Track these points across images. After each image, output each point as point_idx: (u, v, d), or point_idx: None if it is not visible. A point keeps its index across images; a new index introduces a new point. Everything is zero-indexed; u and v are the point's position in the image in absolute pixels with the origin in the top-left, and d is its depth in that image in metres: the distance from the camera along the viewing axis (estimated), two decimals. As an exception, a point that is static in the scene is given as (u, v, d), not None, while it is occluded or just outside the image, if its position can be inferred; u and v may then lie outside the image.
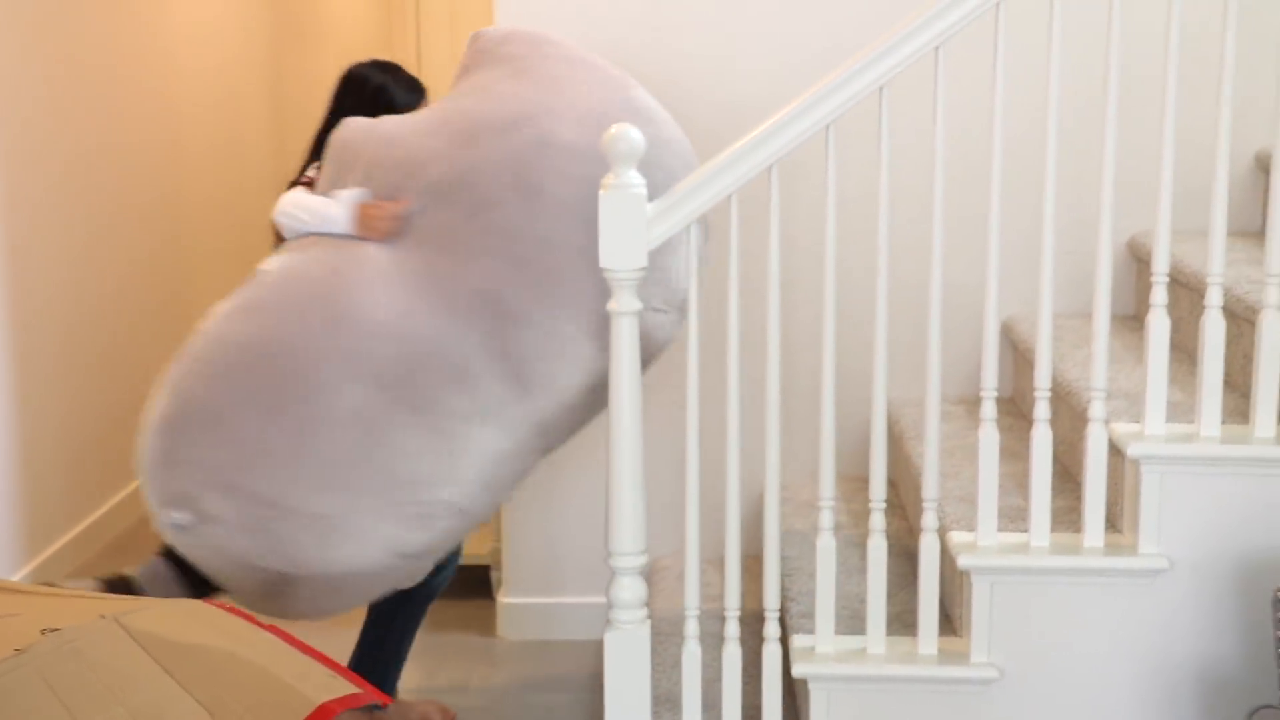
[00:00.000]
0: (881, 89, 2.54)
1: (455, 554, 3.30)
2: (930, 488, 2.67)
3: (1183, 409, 2.81)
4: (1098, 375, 2.64)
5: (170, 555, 2.93)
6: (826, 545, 2.69)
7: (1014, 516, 2.84)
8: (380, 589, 2.95)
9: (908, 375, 3.63)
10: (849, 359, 3.58)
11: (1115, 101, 2.57)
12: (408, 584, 3.00)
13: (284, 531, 2.76)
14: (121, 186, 4.84)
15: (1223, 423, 2.70)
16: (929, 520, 2.68)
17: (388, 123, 3.12)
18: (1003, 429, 3.37)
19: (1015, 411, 3.56)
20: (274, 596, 2.83)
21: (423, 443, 2.80)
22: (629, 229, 2.48)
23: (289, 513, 2.75)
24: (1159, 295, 2.63)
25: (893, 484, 3.60)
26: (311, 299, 2.87)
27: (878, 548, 2.68)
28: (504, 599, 3.94)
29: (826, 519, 2.69)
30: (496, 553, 4.04)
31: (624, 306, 2.51)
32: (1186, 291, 3.19)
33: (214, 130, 5.69)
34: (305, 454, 2.76)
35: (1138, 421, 2.74)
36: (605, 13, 3.61)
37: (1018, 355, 3.59)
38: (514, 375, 2.87)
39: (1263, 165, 3.55)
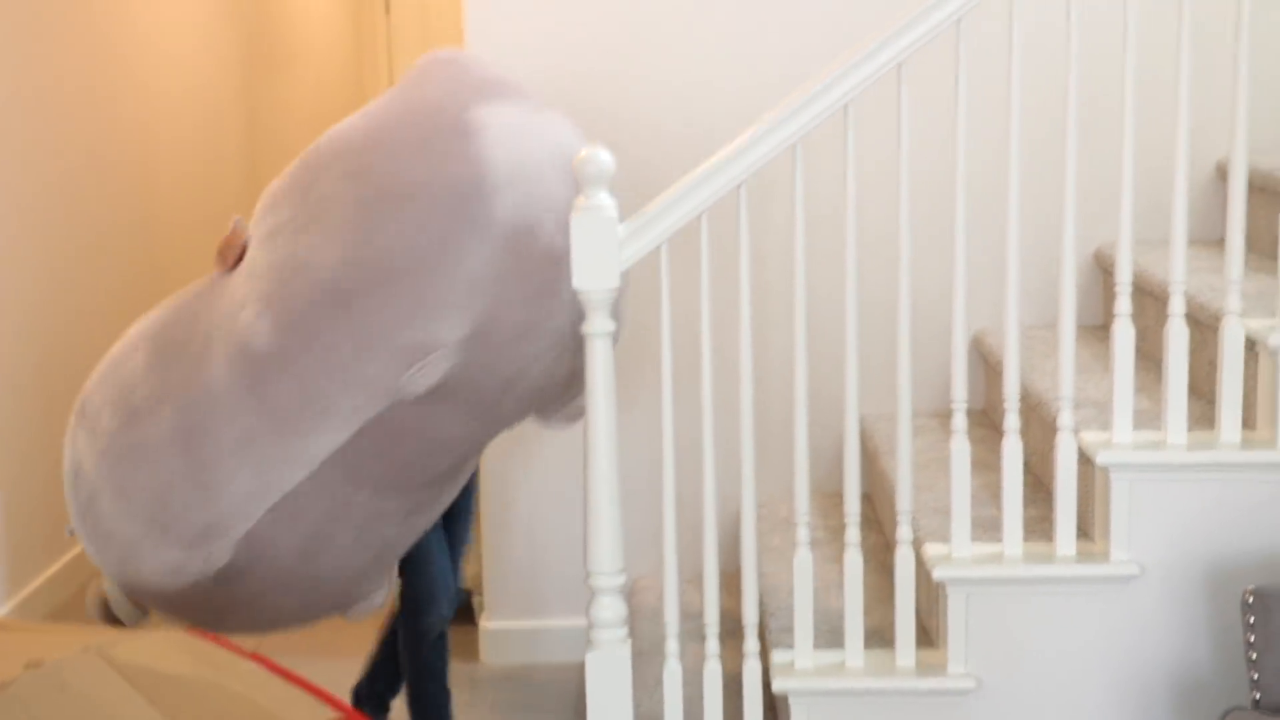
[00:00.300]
0: (846, 106, 2.58)
1: (435, 595, 3.20)
2: (904, 501, 2.70)
3: (1150, 416, 2.85)
4: (1065, 384, 2.67)
5: None
6: (804, 561, 2.72)
7: (988, 527, 2.87)
8: (205, 613, 2.86)
9: (880, 390, 3.67)
10: (821, 375, 3.62)
11: (1076, 115, 2.61)
12: (349, 617, 2.99)
13: (101, 547, 2.81)
14: (97, 214, 4.85)
15: (1189, 429, 2.74)
16: (904, 533, 2.71)
17: None
18: (975, 440, 3.41)
19: (987, 423, 3.60)
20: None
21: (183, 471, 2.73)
22: (601, 250, 2.51)
23: (109, 534, 2.79)
24: (1123, 305, 2.67)
25: (868, 499, 3.63)
26: (144, 328, 2.89)
27: (854, 562, 2.71)
28: (486, 624, 3.95)
29: (803, 535, 2.72)
30: (478, 577, 4.06)
31: (597, 327, 2.54)
32: (1152, 300, 3.23)
33: (188, 156, 5.71)
34: (118, 478, 2.78)
35: (1107, 430, 2.78)
36: (577, 39, 3.64)
37: (988, 367, 3.62)
38: (269, 412, 2.68)
39: (1223, 175, 3.60)
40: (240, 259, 2.78)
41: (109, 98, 4.95)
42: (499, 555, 3.89)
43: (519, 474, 3.81)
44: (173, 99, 5.55)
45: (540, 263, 2.65)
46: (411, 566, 3.16)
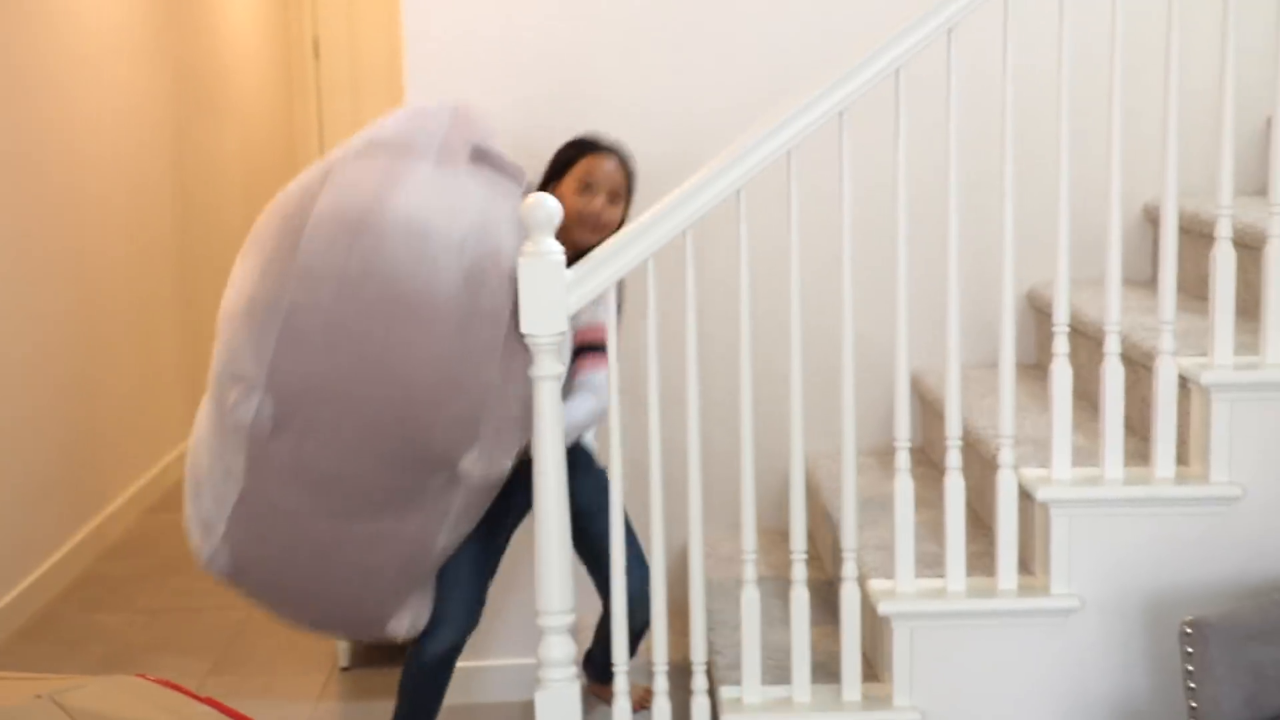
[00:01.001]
0: (789, 153, 2.63)
1: (439, 620, 3.15)
2: (849, 538, 2.74)
3: (1087, 453, 2.92)
4: (1005, 423, 2.73)
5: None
6: (750, 598, 2.75)
7: (930, 563, 2.92)
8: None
9: (821, 428, 3.72)
10: (765, 414, 3.66)
11: (1011, 159, 2.68)
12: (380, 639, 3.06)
13: None
14: (29, 269, 4.82)
15: (1125, 465, 2.81)
16: (849, 569, 2.75)
17: None
18: (915, 477, 3.46)
19: (925, 460, 3.66)
20: None
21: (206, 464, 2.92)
22: (549, 295, 2.55)
23: None
24: (1060, 345, 2.73)
25: (810, 535, 3.67)
26: None
27: (800, 599, 2.75)
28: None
29: (750, 571, 2.75)
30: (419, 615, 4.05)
31: (545, 371, 2.58)
32: (1084, 339, 3.31)
33: (118, 201, 5.68)
34: None
35: (1045, 466, 2.84)
36: (528, 66, 3.67)
37: (925, 406, 3.68)
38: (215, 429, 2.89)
39: (1150, 216, 3.69)
40: None
41: (36, 144, 4.93)
42: (442, 597, 3.88)
43: (461, 516, 3.81)
44: (102, 142, 5.53)
45: (329, 318, 2.66)
46: (436, 595, 3.14)
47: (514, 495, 3.08)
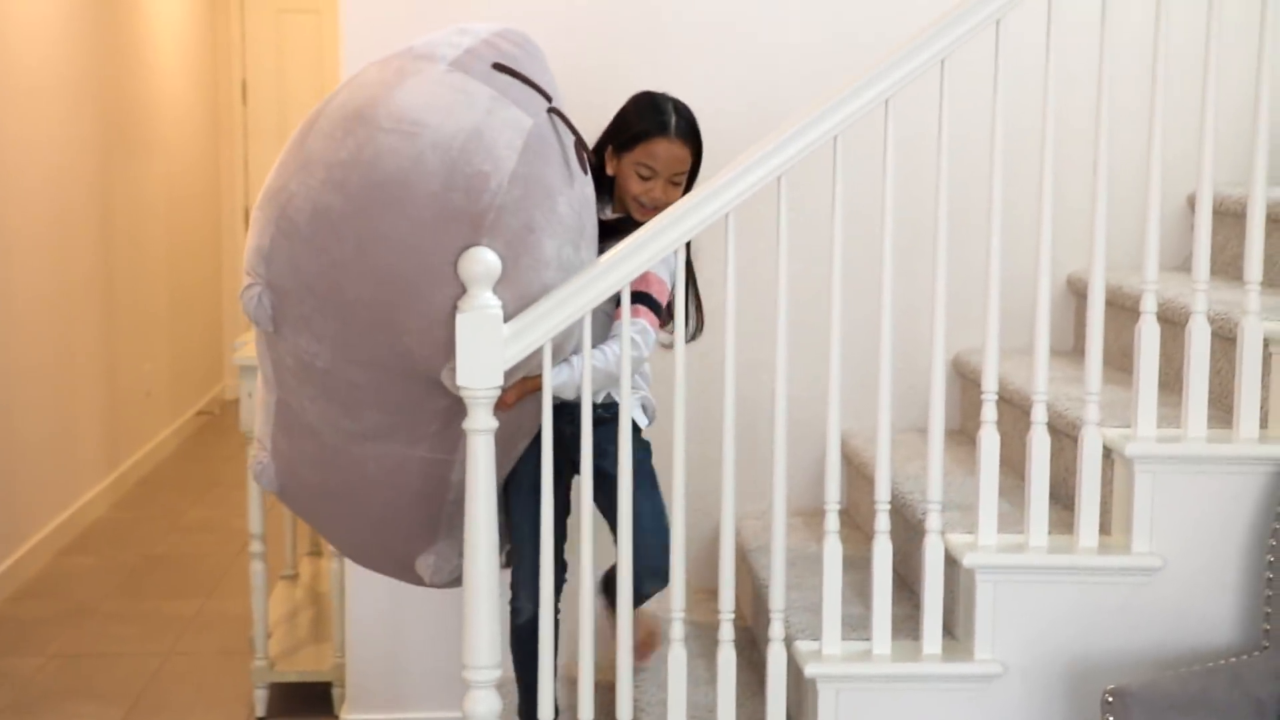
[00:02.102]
0: (727, 216, 2.66)
1: (519, 583, 3.14)
2: (777, 599, 2.76)
3: (1012, 520, 2.96)
4: (933, 489, 2.77)
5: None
6: (678, 657, 2.76)
7: (855, 625, 2.94)
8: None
9: (747, 488, 3.73)
10: (691, 473, 3.67)
11: (946, 230, 2.72)
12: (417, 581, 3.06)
13: None
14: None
15: (1050, 533, 2.85)
16: (776, 630, 2.77)
17: None
18: (840, 539, 3.48)
19: (850, 522, 3.69)
20: None
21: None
22: (486, 349, 2.55)
23: None
24: (988, 412, 2.78)
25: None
26: None
27: (727, 659, 2.76)
28: (346, 716, 3.91)
29: (678, 631, 2.76)
30: (339, 668, 4.02)
31: (480, 424, 2.58)
32: (1009, 407, 3.35)
33: (41, 245, 5.62)
34: None
35: (970, 532, 2.88)
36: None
37: (851, 469, 3.71)
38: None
39: (1074, 288, 3.76)
40: None
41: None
42: (361, 643, 3.85)
43: (385, 567, 3.79)
44: (26, 178, 5.47)
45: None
46: (518, 556, 3.13)
47: (570, 450, 2.90)
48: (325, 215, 2.63)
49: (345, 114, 2.67)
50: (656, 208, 2.95)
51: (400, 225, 2.59)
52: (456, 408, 2.66)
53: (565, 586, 3.19)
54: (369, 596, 3.79)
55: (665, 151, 3.01)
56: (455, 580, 2.97)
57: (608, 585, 3.45)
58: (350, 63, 3.64)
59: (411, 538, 2.94)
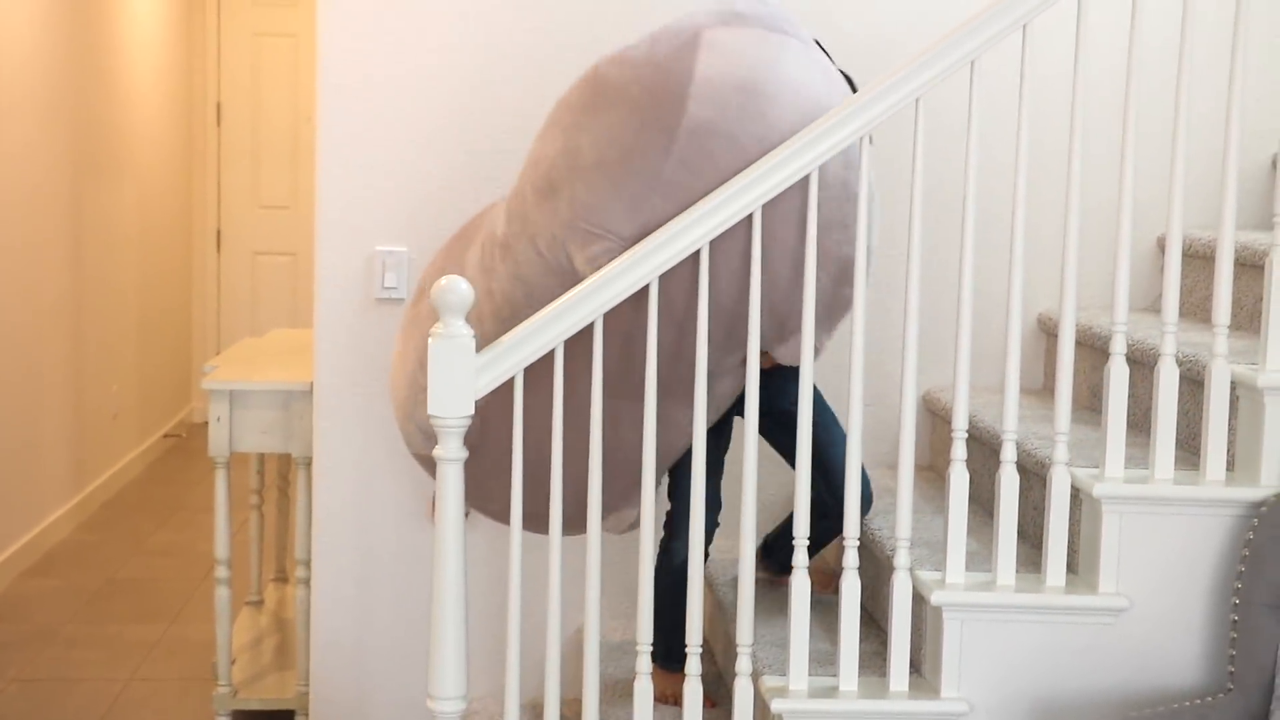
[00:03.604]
0: (699, 252, 2.67)
1: (678, 529, 3.19)
2: (745, 635, 2.76)
3: (980, 558, 2.96)
4: (902, 526, 2.77)
5: None
6: (644, 689, 2.75)
7: (822, 661, 2.94)
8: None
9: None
10: (665, 504, 3.67)
11: (919, 267, 2.73)
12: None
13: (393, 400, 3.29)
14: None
15: (1018, 571, 2.86)
16: (743, 665, 2.76)
17: None
18: (808, 574, 3.49)
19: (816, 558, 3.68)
20: None
21: None
22: (458, 378, 2.56)
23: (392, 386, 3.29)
24: (958, 450, 2.78)
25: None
26: None
27: (694, 691, 2.75)
28: (309, 745, 3.89)
29: (643, 664, 2.75)
30: (303, 696, 3.99)
31: (450, 454, 2.58)
32: (978, 445, 3.36)
33: (12, 265, 5.60)
34: None
35: (938, 570, 2.88)
36: (441, 111, 3.68)
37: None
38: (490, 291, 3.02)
39: (1044, 327, 3.78)
40: None
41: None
42: (325, 673, 3.83)
43: (348, 589, 3.77)
44: None
45: (718, 176, 2.72)
46: (678, 494, 3.19)
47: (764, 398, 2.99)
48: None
49: (733, 83, 2.75)
50: None
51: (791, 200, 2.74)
52: (730, 375, 2.90)
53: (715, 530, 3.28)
54: (334, 624, 3.78)
55: None
56: (633, 528, 3.14)
57: (768, 550, 3.49)
58: (327, 86, 3.64)
59: (627, 491, 3.06)
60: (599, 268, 2.74)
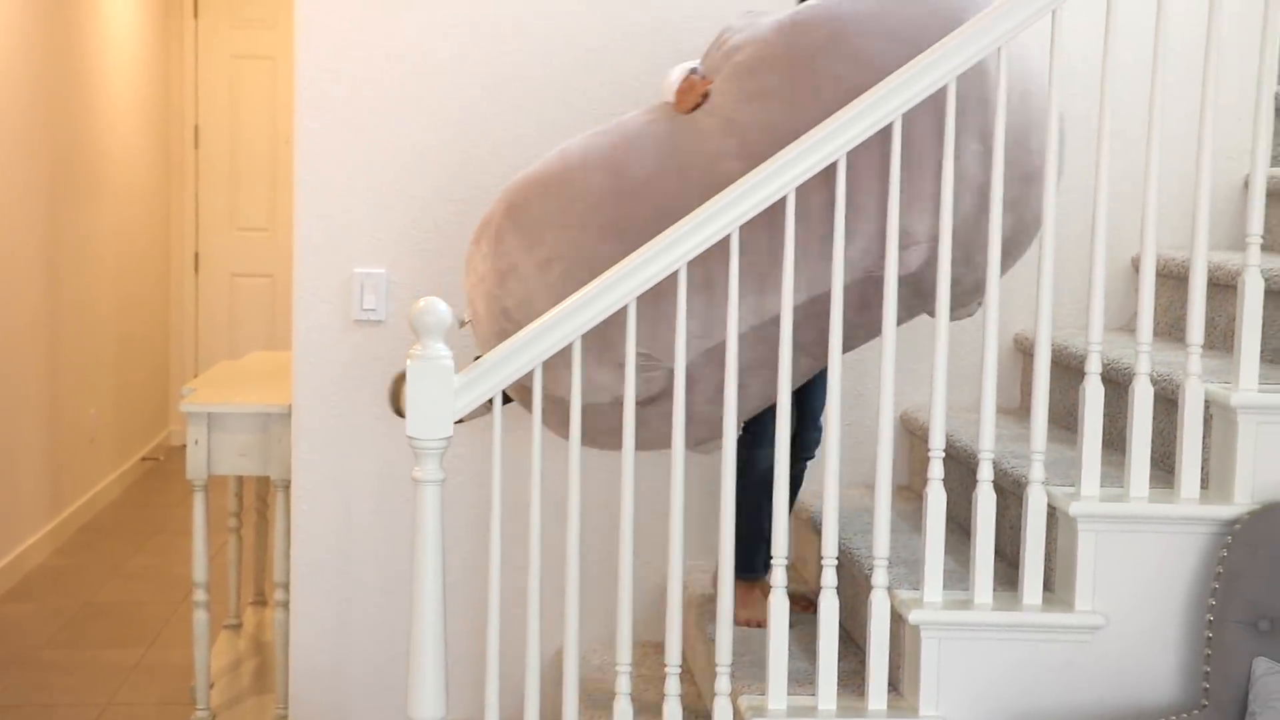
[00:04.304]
0: (680, 268, 2.68)
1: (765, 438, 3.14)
2: (724, 654, 2.76)
3: (957, 577, 2.97)
4: (880, 545, 2.78)
5: None
6: (624, 711, 2.76)
7: (800, 680, 2.95)
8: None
9: (695, 541, 3.74)
10: (643, 524, 3.68)
11: (894, 288, 2.75)
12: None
13: None
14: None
15: (994, 589, 2.87)
16: (722, 685, 2.77)
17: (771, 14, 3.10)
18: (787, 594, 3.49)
19: (798, 577, 3.70)
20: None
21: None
22: (436, 399, 2.57)
23: None
24: (935, 470, 2.80)
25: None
26: (589, 155, 3.02)
27: (673, 713, 2.76)
28: (288, 767, 3.88)
29: (623, 684, 2.76)
30: (282, 718, 3.99)
31: (429, 475, 2.59)
32: (956, 464, 3.38)
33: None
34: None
35: (915, 589, 2.89)
36: (423, 125, 3.70)
37: (799, 522, 3.72)
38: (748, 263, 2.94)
39: (1021, 347, 3.80)
40: (698, 105, 2.98)
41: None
42: (304, 696, 3.83)
43: (327, 612, 3.77)
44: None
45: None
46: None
47: None
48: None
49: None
50: None
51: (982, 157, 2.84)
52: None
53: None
54: (313, 648, 3.77)
55: None
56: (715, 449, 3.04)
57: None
58: (305, 108, 3.66)
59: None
60: (910, 264, 2.85)
